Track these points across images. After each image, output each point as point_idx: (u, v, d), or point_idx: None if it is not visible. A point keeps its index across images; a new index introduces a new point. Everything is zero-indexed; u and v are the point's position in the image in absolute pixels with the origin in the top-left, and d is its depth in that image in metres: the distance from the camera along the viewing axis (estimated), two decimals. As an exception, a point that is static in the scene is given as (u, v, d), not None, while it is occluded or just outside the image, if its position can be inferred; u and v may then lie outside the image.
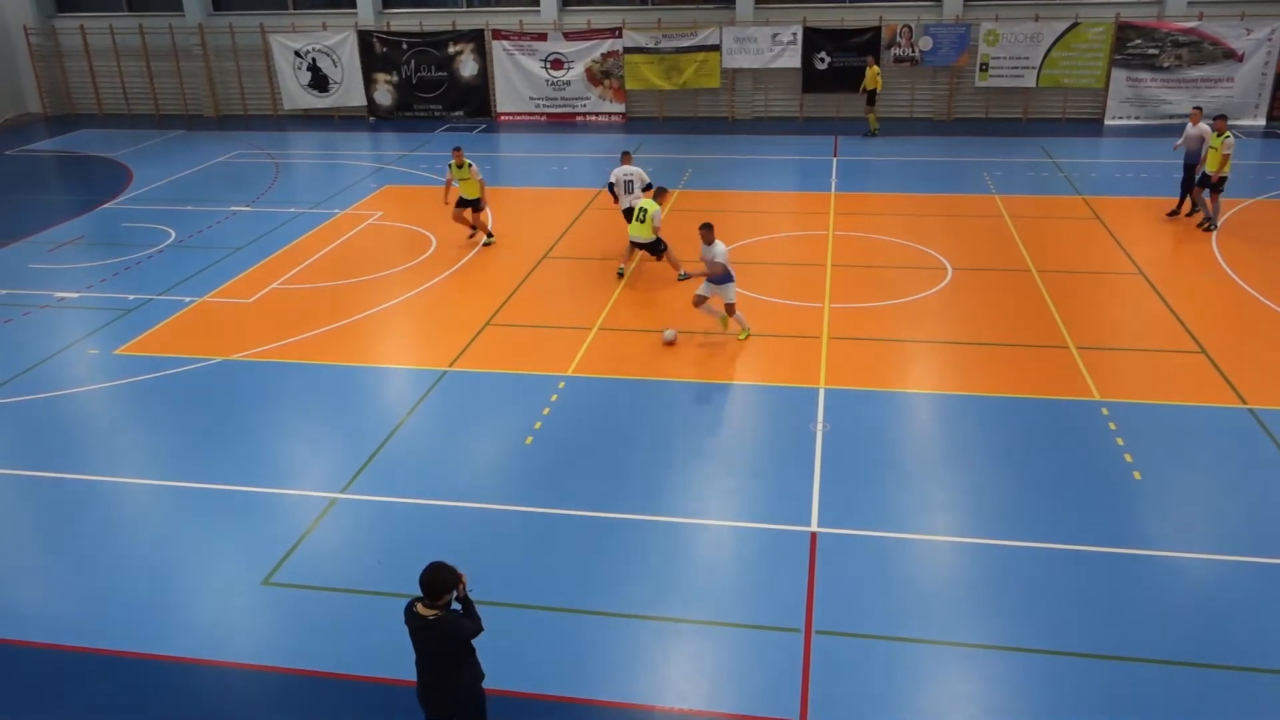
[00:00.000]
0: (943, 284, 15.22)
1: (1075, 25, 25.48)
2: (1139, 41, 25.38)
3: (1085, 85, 26.09)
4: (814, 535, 9.18)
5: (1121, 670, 7.52)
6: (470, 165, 17.32)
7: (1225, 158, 16.84)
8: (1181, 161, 18.12)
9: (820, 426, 11.09)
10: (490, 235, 17.63)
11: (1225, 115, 17.65)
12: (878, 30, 26.28)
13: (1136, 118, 25.98)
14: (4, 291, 15.88)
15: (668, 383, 12.27)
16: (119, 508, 10.07)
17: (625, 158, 16.35)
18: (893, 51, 26.41)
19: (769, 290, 15.04)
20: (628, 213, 15.93)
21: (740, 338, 13.36)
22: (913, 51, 26.34)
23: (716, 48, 26.89)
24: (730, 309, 13.26)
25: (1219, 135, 16.93)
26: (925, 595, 8.41)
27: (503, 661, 7.69)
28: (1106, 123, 26.07)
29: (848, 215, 18.71)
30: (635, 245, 15.57)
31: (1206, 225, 17.32)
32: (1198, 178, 17.43)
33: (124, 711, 7.43)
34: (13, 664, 7.93)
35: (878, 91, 25.52)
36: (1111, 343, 13.13)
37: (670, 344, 13.22)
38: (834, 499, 9.73)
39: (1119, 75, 25.73)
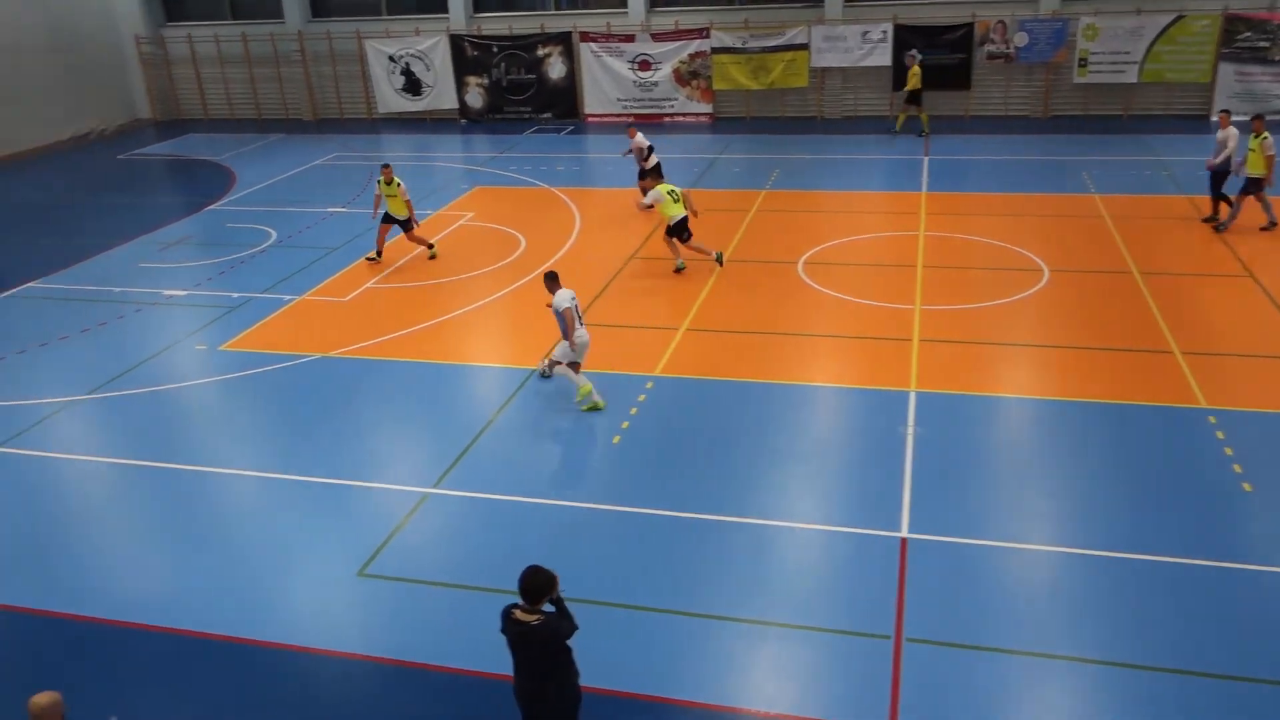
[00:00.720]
0: (1039, 286, 14.86)
1: (1180, 18, 24.60)
2: (1248, 34, 24.40)
3: (1191, 80, 25.18)
4: (904, 541, 9.06)
5: (1228, 690, 7.25)
6: (399, 183, 16.84)
7: (1270, 159, 16.19)
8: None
9: (910, 430, 10.94)
10: (432, 245, 17.35)
11: (1262, 115, 16.93)
12: (970, 26, 25.76)
13: (1245, 113, 24.96)
14: (118, 289, 16.60)
15: (755, 384, 12.23)
16: (223, 498, 10.44)
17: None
18: (986, 48, 25.87)
19: (858, 292, 14.88)
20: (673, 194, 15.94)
21: (582, 407, 11.62)
22: (1007, 48, 25.76)
23: (805, 46, 26.67)
24: (574, 367, 11.74)
25: (1256, 136, 16.35)
26: (1019, 605, 8.23)
27: (586, 660, 7.76)
28: (1213, 119, 25.12)
29: (939, 216, 18.40)
30: (680, 224, 15.83)
31: (1217, 225, 16.88)
32: (1243, 183, 16.68)
33: (228, 694, 7.71)
34: (125, 645, 8.29)
35: (920, 91, 25.02)
36: (1219, 348, 12.66)
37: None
38: (925, 504, 9.59)
39: (1226, 69, 24.77)
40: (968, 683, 7.41)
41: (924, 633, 7.91)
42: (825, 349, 13.28)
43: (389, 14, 30.21)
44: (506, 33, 28.77)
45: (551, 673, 6.22)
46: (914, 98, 25.03)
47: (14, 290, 16.84)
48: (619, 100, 28.40)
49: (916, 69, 24.94)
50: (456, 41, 28.88)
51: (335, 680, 7.89)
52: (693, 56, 27.51)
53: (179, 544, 9.68)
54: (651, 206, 16.08)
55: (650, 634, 8.10)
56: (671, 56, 27.62)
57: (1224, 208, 17.07)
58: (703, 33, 27.20)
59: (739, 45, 27.04)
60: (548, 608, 6.19)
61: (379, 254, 17.19)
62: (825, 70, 27.09)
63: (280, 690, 7.76)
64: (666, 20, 27.88)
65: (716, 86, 27.66)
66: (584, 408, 11.65)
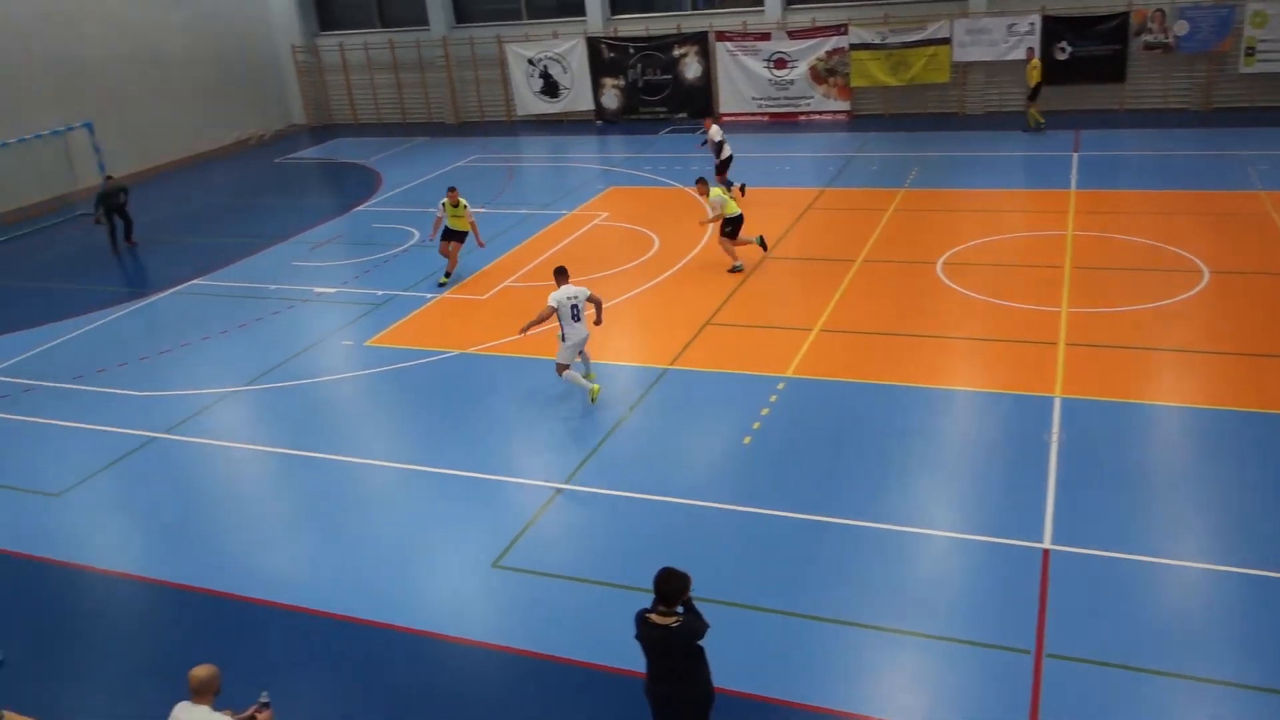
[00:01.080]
0: (1198, 288, 14.05)
1: (1362, 2, 22.89)
2: None
3: (1373, 68, 23.40)
4: (1046, 552, 8.71)
5: (1407, 722, 6.71)
6: (465, 205, 16.64)
7: None
8: None
9: (1055, 437, 10.51)
10: (448, 276, 16.91)
11: None
12: (1126, 16, 24.55)
13: None
14: (272, 286, 17.46)
15: (891, 386, 11.97)
16: (366, 487, 10.86)
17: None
18: (1143, 38, 24.61)
19: (1000, 293, 14.38)
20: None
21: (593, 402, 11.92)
22: (1166, 37, 24.44)
23: (947, 41, 25.94)
24: (559, 369, 11.93)
25: None
26: (1169, 624, 7.81)
27: (718, 661, 7.75)
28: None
29: (1089, 214, 17.61)
30: (736, 221, 16.14)
31: None
32: None
33: (366, 674, 8.01)
34: (275, 624, 8.72)
35: (1040, 86, 24.14)
36: (1401, 356, 11.73)
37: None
38: (1070, 515, 9.19)
39: None
40: (1112, 703, 7.07)
41: (1066, 649, 7.59)
42: (964, 352, 12.89)
43: (529, 18, 30.84)
44: (643, 34, 28.97)
45: (689, 674, 6.23)
46: (1034, 93, 24.22)
47: (179, 286, 17.92)
48: (754, 99, 28.23)
49: (1036, 62, 24.16)
50: (593, 44, 29.25)
51: (467, 667, 8.10)
52: (830, 54, 27.12)
53: (323, 529, 10.12)
54: (717, 218, 16.19)
55: (777, 636, 8.02)
56: (808, 54, 27.29)
57: None
58: (840, 29, 26.79)
59: (878, 41, 26.50)
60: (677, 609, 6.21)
61: (449, 275, 16.88)
62: (968, 65, 26.29)
63: (416, 675, 8.01)
64: (803, 18, 27.56)
65: (854, 84, 27.19)
66: (591, 399, 11.99)
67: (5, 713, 7.24)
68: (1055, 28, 25.14)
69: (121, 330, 16.03)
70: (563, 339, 11.94)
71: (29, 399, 13.56)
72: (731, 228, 16.16)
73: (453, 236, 16.96)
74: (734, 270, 16.10)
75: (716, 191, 16.28)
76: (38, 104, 24.60)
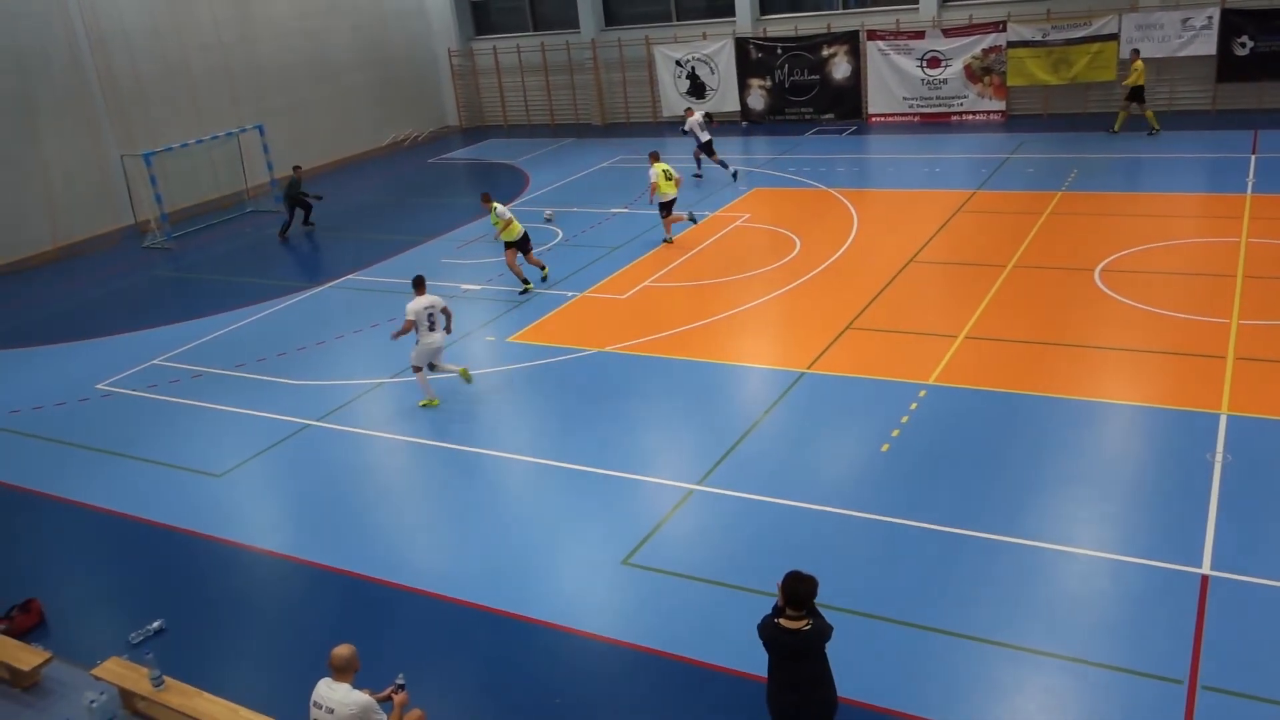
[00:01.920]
0: (1389, 301, 12.95)
1: None
2: None
3: None
4: (1205, 578, 8.18)
5: None
6: (495, 207, 16.65)
7: None
8: None
9: (1220, 457, 9.85)
10: (526, 282, 16.83)
11: None
12: (1316, 8, 22.86)
13: None
14: (421, 282, 18.06)
15: (1039, 397, 11.47)
16: (503, 480, 11.12)
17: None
18: (1335, 31, 22.85)
19: (1163, 303, 13.60)
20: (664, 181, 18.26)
21: (419, 403, 12.95)
22: (1362, 30, 22.62)
23: (1114, 37, 24.70)
24: (412, 368, 13.02)
25: None
26: (1346, 663, 7.21)
27: (845, 671, 7.59)
28: None
29: (1267, 220, 16.44)
30: (670, 203, 18.23)
31: None
32: None
33: (499, 664, 8.19)
34: (413, 610, 9.00)
35: (1142, 87, 22.92)
36: None
37: None
38: (1233, 540, 8.60)
39: None
40: (1276, 744, 6.58)
41: (1223, 681, 7.10)
42: (1121, 363, 12.24)
43: (678, 20, 30.97)
44: (792, 34, 28.68)
45: (820, 678, 6.15)
46: (1136, 94, 23.01)
47: (336, 281, 18.76)
48: (905, 99, 27.56)
49: (1139, 64, 22.94)
50: (741, 44, 29.13)
51: (592, 661, 8.17)
52: (986, 52, 26.21)
53: (461, 520, 10.40)
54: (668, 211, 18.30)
55: (907, 649, 7.79)
56: (963, 52, 26.46)
57: None
58: (999, 26, 25.86)
59: (1039, 38, 25.47)
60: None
61: (525, 281, 16.89)
62: (1136, 62, 24.95)
63: (543, 666, 8.14)
64: (960, 15, 26.74)
65: (1011, 82, 26.21)
66: (420, 403, 13.02)
67: (165, 678, 7.71)
68: (1235, 21, 23.62)
69: (281, 322, 16.89)
70: (416, 344, 12.82)
71: (197, 384, 14.44)
72: (667, 208, 18.39)
73: (512, 245, 16.72)
74: (665, 242, 18.57)
75: (656, 168, 18.36)
76: (216, 108, 26.24)
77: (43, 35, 22.69)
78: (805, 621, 5.99)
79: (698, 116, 23.14)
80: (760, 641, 6.20)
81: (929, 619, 8.09)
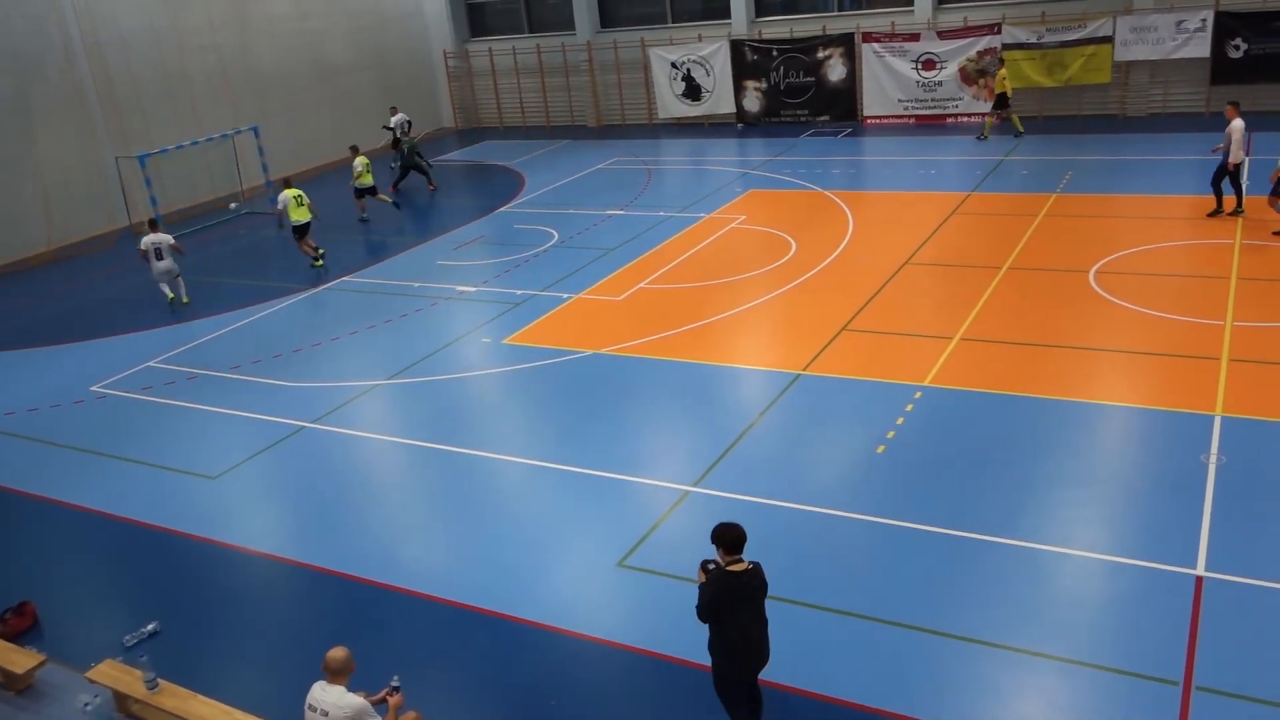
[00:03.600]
0: (1382, 303, 13.00)
1: None
2: None
3: None
4: (1199, 580, 8.20)
5: None
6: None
7: None
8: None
9: (1214, 459, 9.88)
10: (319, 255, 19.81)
11: None
12: (1310, 11, 22.93)
13: None
14: (417, 284, 18.07)
15: (1034, 399, 11.49)
16: (498, 482, 11.11)
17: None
18: (1328, 34, 22.93)
19: (1157, 305, 13.63)
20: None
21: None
22: (1355, 33, 22.70)
23: (1108, 40, 24.77)
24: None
25: None
26: (1340, 663, 7.23)
27: (843, 672, 7.60)
28: None
29: (1260, 222, 16.50)
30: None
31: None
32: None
33: (491, 665, 8.18)
34: (406, 611, 8.99)
35: (1007, 95, 24.63)
36: None
37: None
38: (1227, 541, 8.62)
39: None
40: (1270, 745, 6.60)
41: (1217, 682, 7.11)
42: (1115, 365, 12.27)
43: (674, 22, 30.99)
44: (787, 36, 28.72)
45: (764, 613, 6.60)
46: (1002, 102, 24.59)
47: (332, 283, 18.75)
48: (900, 101, 27.60)
49: (1004, 72, 24.61)
50: (737, 46, 29.16)
51: (590, 663, 8.17)
52: (981, 54, 26.26)
53: (457, 522, 10.39)
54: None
55: (903, 651, 7.80)
56: (958, 54, 26.51)
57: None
58: (994, 28, 25.92)
59: (1033, 40, 25.52)
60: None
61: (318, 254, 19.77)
62: (1130, 64, 25.04)
63: (540, 668, 8.13)
64: (955, 17, 26.79)
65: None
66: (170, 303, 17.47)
67: (159, 680, 7.70)
68: (1229, 23, 23.70)
69: (277, 323, 16.88)
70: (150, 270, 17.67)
71: (192, 386, 14.42)
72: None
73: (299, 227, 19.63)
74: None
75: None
76: (211, 109, 26.21)
77: (38, 36, 22.67)
78: (747, 563, 6.39)
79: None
80: (710, 605, 6.43)
81: (924, 620, 8.10)
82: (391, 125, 27.90)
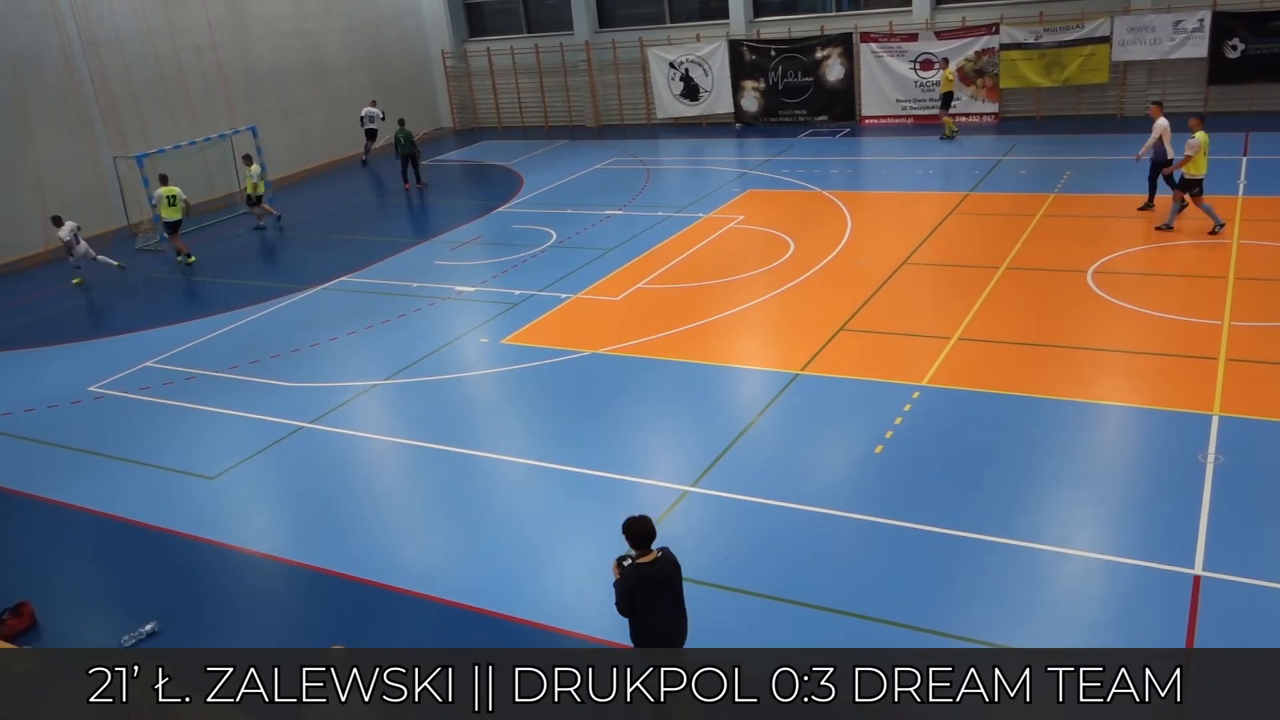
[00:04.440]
0: (1380, 303, 13.01)
1: None
2: None
3: None
4: (1197, 579, 8.21)
5: None
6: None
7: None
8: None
9: (1211, 458, 9.89)
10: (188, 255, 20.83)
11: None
12: (1308, 11, 22.95)
13: None
14: (415, 284, 18.07)
15: (1032, 399, 11.50)
16: (496, 482, 11.11)
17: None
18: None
19: (1155, 304, 13.64)
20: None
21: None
22: (1352, 33, 22.72)
23: (1106, 40, 24.78)
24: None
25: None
26: (1338, 663, 7.24)
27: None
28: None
29: (1258, 222, 16.51)
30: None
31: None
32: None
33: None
34: (404, 611, 8.99)
35: (951, 95, 25.47)
36: None
37: None
38: (1225, 541, 8.63)
39: None
40: (1268, 745, 6.60)
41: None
42: (1113, 365, 12.28)
43: (672, 22, 30.99)
44: (785, 36, 28.72)
45: (681, 595, 6.86)
46: (946, 101, 25.37)
47: (330, 283, 18.73)
48: (898, 101, 27.61)
49: (950, 73, 25.40)
50: (735, 46, 29.16)
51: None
52: (979, 54, 26.27)
53: (455, 522, 10.39)
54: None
55: (901, 651, 7.80)
56: (956, 55, 26.50)
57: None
58: (991, 29, 25.93)
59: (1031, 40, 25.54)
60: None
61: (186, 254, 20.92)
62: (1128, 64, 25.06)
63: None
64: (953, 17, 26.80)
65: (1004, 85, 26.26)
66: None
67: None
68: (1227, 23, 23.72)
69: (275, 323, 16.86)
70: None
71: (190, 386, 14.41)
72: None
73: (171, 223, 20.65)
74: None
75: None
76: (209, 109, 26.18)
77: (36, 36, 22.64)
78: (656, 553, 6.67)
79: (373, 110, 26.47)
80: (626, 598, 6.65)
81: (921, 620, 8.10)
82: (363, 115, 29.28)
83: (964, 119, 26.91)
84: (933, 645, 7.82)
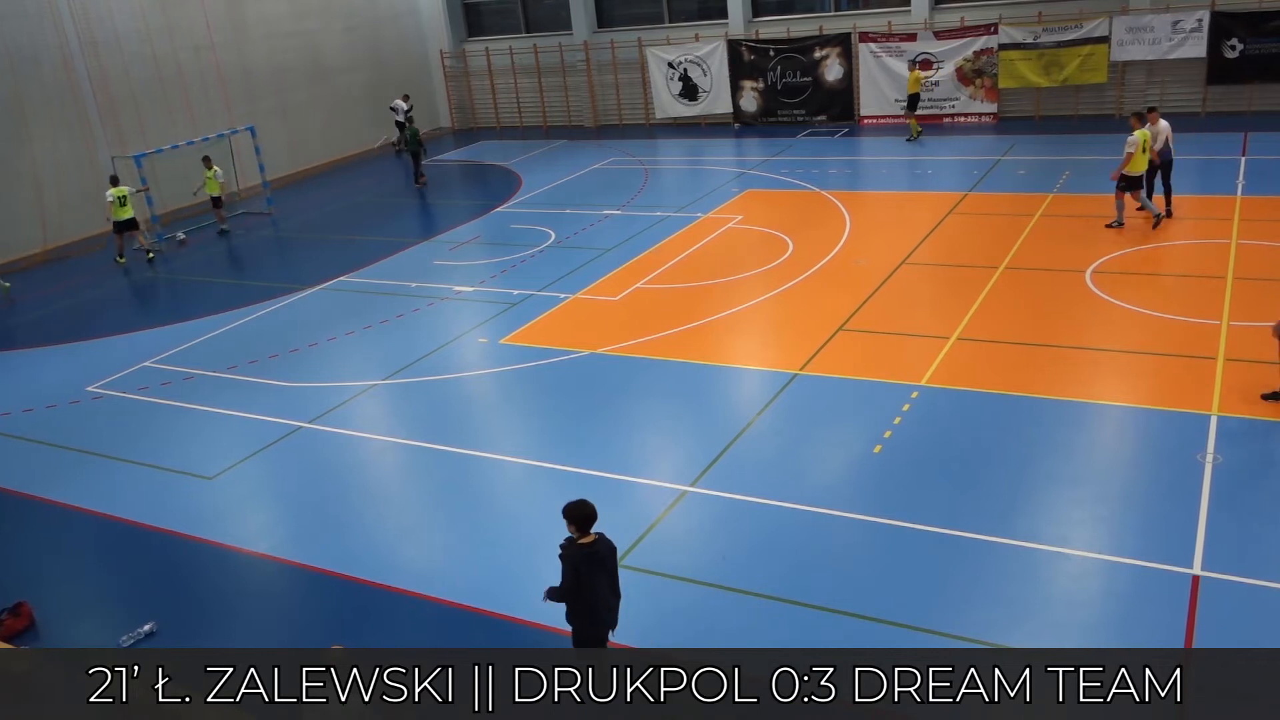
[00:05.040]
0: (1378, 302, 13.01)
1: None
2: None
3: None
4: (1196, 579, 8.21)
5: None
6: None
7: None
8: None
9: (1210, 458, 9.89)
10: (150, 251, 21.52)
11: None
12: (1306, 11, 22.95)
13: None
14: (414, 284, 18.06)
15: (1031, 399, 11.50)
16: (495, 482, 11.10)
17: None
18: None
19: (1153, 304, 13.65)
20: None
21: None
22: (1351, 33, 22.73)
23: (1104, 40, 24.79)
24: None
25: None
26: (1336, 662, 7.24)
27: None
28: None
29: (1258, 222, 16.51)
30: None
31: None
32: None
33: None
34: (403, 611, 8.99)
35: (918, 96, 25.60)
36: None
37: None
38: (1224, 541, 8.63)
39: None
40: (1267, 744, 6.61)
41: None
42: (1112, 365, 12.28)
43: (671, 22, 30.99)
44: (784, 36, 28.72)
45: (616, 576, 7.13)
46: (913, 103, 25.54)
47: (328, 283, 18.72)
48: (896, 101, 27.59)
49: (917, 74, 25.54)
50: (734, 46, 29.15)
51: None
52: (978, 54, 26.28)
53: (453, 522, 10.38)
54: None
55: (899, 651, 7.80)
56: (955, 55, 26.52)
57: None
58: (990, 29, 25.93)
59: (1030, 40, 25.54)
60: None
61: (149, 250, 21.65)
62: (1127, 64, 25.07)
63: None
64: (952, 17, 26.81)
65: (1003, 85, 26.27)
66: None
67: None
68: (1225, 23, 23.73)
69: (273, 323, 16.85)
70: None
71: (188, 387, 14.40)
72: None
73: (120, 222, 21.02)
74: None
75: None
76: (208, 109, 26.17)
77: (34, 36, 22.62)
78: (595, 535, 6.93)
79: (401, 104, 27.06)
80: (572, 576, 6.87)
81: (919, 619, 8.10)
82: (392, 107, 30.44)
83: (963, 119, 26.93)
84: (932, 644, 7.82)
